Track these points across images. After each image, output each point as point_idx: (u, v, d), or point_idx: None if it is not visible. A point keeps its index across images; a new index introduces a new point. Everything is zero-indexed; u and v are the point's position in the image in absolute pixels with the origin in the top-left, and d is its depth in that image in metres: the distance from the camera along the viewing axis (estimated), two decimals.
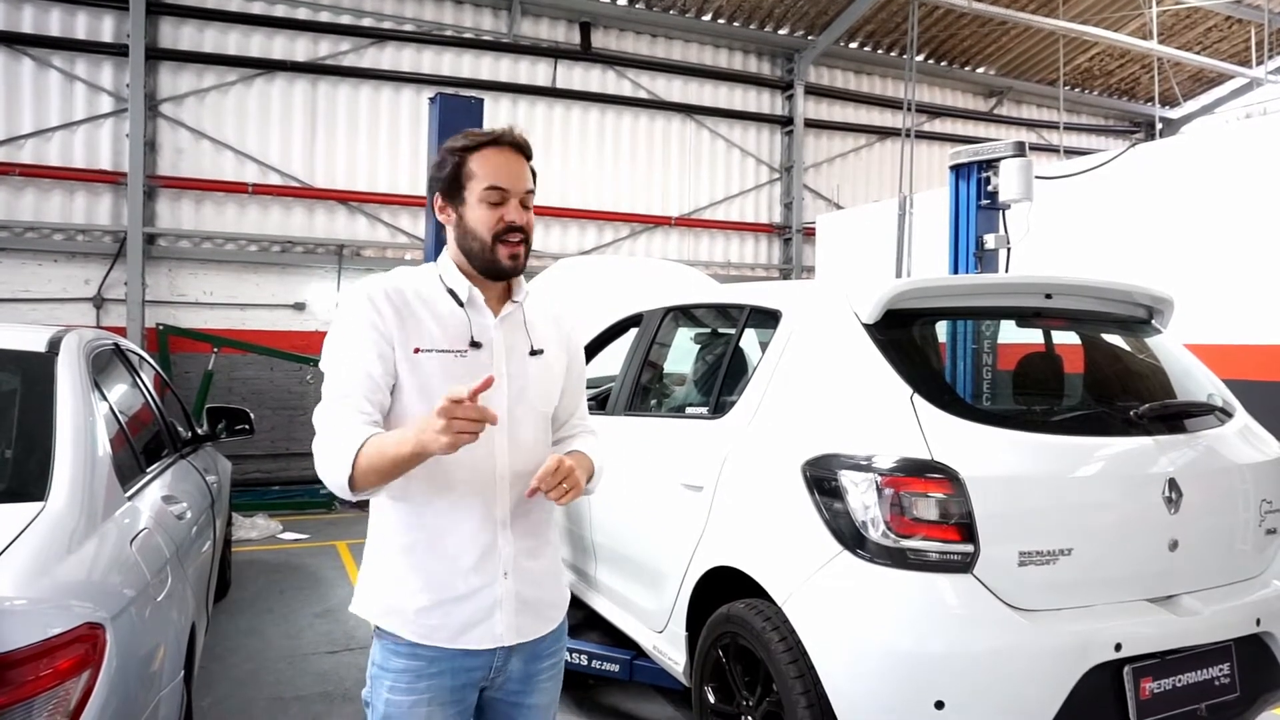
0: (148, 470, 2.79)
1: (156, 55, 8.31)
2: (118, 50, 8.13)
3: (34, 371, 2.39)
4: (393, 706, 1.64)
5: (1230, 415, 2.85)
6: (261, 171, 8.73)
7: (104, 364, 2.88)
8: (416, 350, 1.61)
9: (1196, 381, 2.95)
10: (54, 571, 1.79)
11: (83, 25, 8.14)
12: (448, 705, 1.66)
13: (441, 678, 1.64)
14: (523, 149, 1.66)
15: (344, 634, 4.67)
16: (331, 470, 1.53)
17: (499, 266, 1.65)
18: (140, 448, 2.88)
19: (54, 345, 2.54)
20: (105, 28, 8.20)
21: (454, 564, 1.63)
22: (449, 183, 1.66)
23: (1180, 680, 2.38)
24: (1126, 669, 2.29)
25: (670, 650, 3.10)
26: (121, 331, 7.70)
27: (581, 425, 1.89)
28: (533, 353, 1.72)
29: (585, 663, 3.54)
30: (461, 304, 1.66)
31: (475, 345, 1.65)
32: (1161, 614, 2.40)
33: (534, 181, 1.69)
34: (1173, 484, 2.46)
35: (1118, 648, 2.27)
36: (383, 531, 1.68)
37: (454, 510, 1.63)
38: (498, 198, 1.62)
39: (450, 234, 1.70)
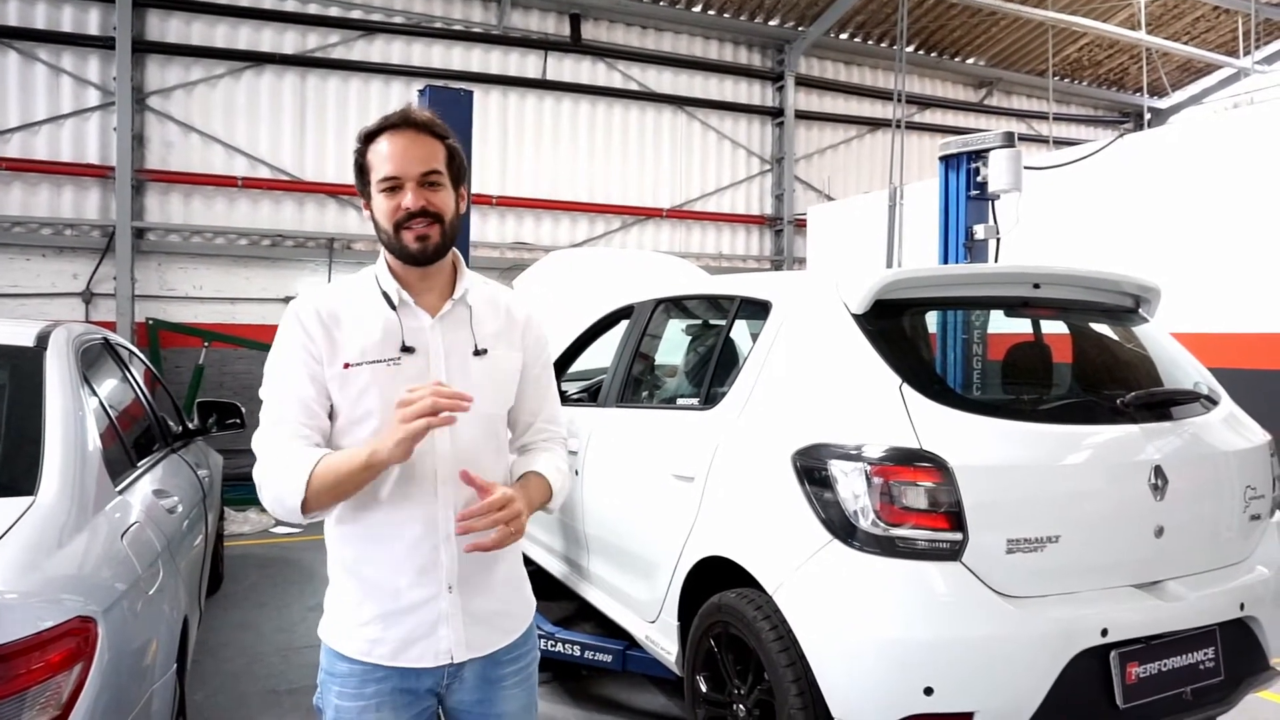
0: (138, 464, 2.78)
1: (144, 48, 8.25)
2: (104, 43, 8.07)
3: (23, 366, 2.39)
4: (342, 712, 1.59)
5: (1215, 403, 2.88)
6: (251, 165, 8.69)
7: (93, 358, 2.87)
8: (346, 365, 1.54)
9: (1183, 370, 2.97)
10: (45, 565, 1.79)
11: (69, 18, 8.07)
12: (400, 710, 1.59)
13: (386, 682, 1.58)
14: (425, 127, 1.57)
15: None
16: (281, 494, 1.49)
17: (408, 252, 1.56)
18: (131, 442, 2.87)
19: (42, 340, 2.53)
20: (91, 20, 8.14)
21: (394, 578, 1.56)
22: (358, 179, 1.61)
23: (1166, 665, 2.40)
24: (1113, 654, 2.31)
25: (662, 640, 3.12)
26: (111, 326, 7.66)
27: (548, 431, 1.78)
28: (476, 353, 1.62)
29: (578, 653, 3.55)
30: (394, 306, 1.58)
31: (407, 350, 1.56)
32: (1147, 599, 2.43)
33: (450, 158, 1.59)
34: (1159, 471, 2.48)
35: (1104, 633, 2.29)
36: (330, 546, 1.64)
37: (393, 522, 1.56)
38: (392, 184, 1.55)
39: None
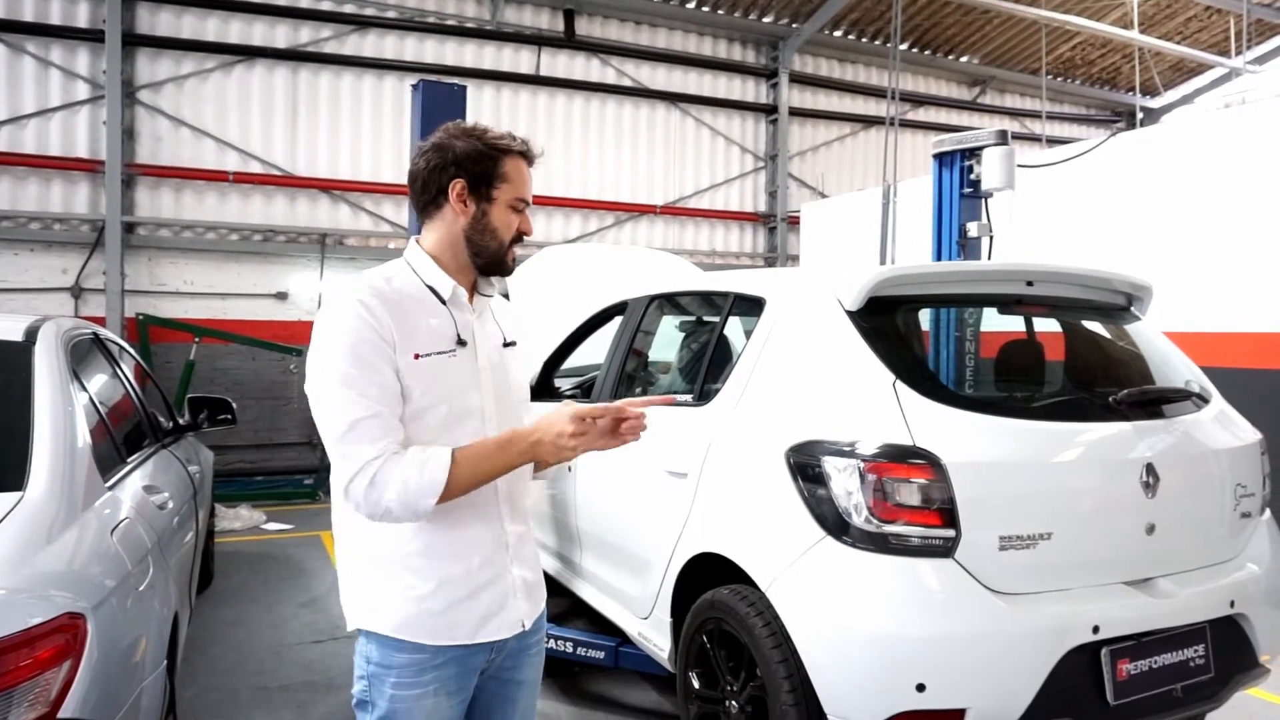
0: (128, 460, 2.77)
1: (133, 41, 8.20)
2: (94, 36, 8.01)
3: (11, 361, 2.37)
4: (398, 701, 1.60)
5: (1207, 401, 2.89)
6: (242, 159, 8.64)
7: (83, 353, 2.85)
8: (416, 356, 1.56)
9: (1174, 368, 2.98)
10: (33, 561, 1.78)
11: (57, 10, 8.01)
12: (453, 694, 1.64)
13: (446, 668, 1.62)
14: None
15: (329, 624, 4.66)
16: (418, 489, 1.48)
17: (505, 267, 1.70)
18: (121, 437, 2.85)
19: (31, 334, 2.51)
20: (80, 13, 8.08)
21: (468, 560, 1.62)
22: (480, 177, 1.64)
23: (1156, 661, 2.41)
24: (1104, 651, 2.32)
25: (655, 636, 3.12)
26: (101, 321, 7.61)
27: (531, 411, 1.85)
28: (506, 344, 1.74)
29: (571, 650, 3.55)
30: (443, 301, 1.64)
31: (461, 343, 1.63)
32: (1138, 597, 2.44)
33: None
34: (1150, 469, 2.49)
35: (1095, 630, 2.30)
36: (380, 540, 1.60)
37: (462, 506, 1.60)
38: (521, 206, 1.69)
39: (444, 225, 1.66)
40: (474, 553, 1.63)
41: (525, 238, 1.71)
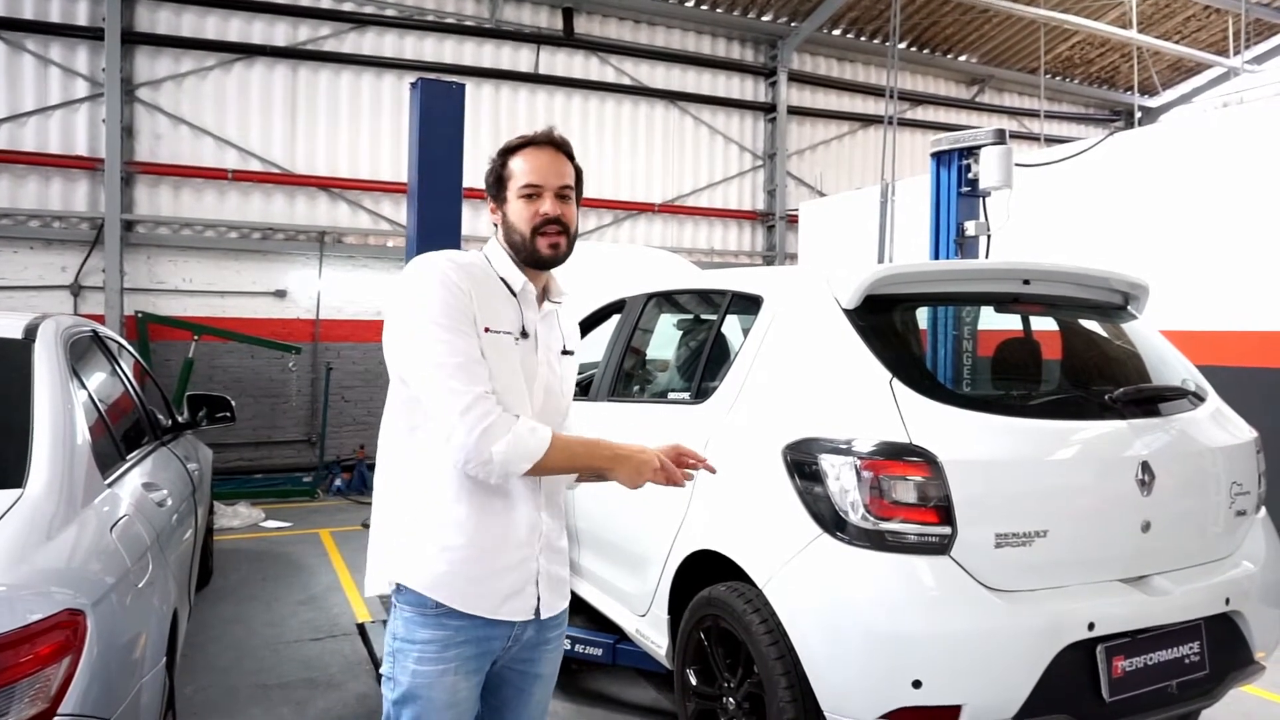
0: (128, 457, 2.77)
1: (133, 39, 8.18)
2: (93, 34, 8.00)
3: (10, 358, 2.37)
4: (420, 677, 1.67)
5: (1203, 399, 2.90)
6: (241, 158, 8.64)
7: (82, 351, 2.85)
8: (487, 329, 1.66)
9: (1170, 366, 2.99)
10: (33, 558, 1.78)
11: (57, 8, 7.99)
12: (471, 675, 1.71)
13: (466, 647, 1.69)
14: (560, 147, 1.76)
15: (328, 621, 4.66)
16: (522, 452, 1.59)
17: (539, 256, 1.73)
18: (120, 435, 2.86)
19: (31, 332, 2.52)
20: (80, 11, 8.07)
21: (503, 538, 1.70)
22: (492, 185, 1.78)
23: (1151, 658, 2.43)
24: (1099, 648, 2.33)
25: (653, 634, 3.13)
26: (100, 319, 7.61)
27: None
28: (565, 352, 1.84)
29: (569, 647, 3.56)
30: (514, 293, 1.74)
31: (524, 335, 1.73)
32: (1134, 594, 2.45)
33: (577, 177, 1.79)
34: (1146, 467, 2.50)
35: (1091, 627, 2.31)
36: (426, 501, 1.69)
37: (507, 489, 1.70)
38: (532, 192, 1.72)
39: (499, 230, 1.79)
40: (509, 533, 1.70)
41: (564, 224, 1.73)
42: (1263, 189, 5.52)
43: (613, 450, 1.69)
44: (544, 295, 1.81)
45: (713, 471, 1.80)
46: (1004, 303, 2.99)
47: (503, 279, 1.75)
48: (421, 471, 1.69)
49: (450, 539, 1.68)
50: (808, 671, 2.35)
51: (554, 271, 1.84)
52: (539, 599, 1.75)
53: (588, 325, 4.16)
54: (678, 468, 1.73)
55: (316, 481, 8.33)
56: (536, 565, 1.74)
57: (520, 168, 1.73)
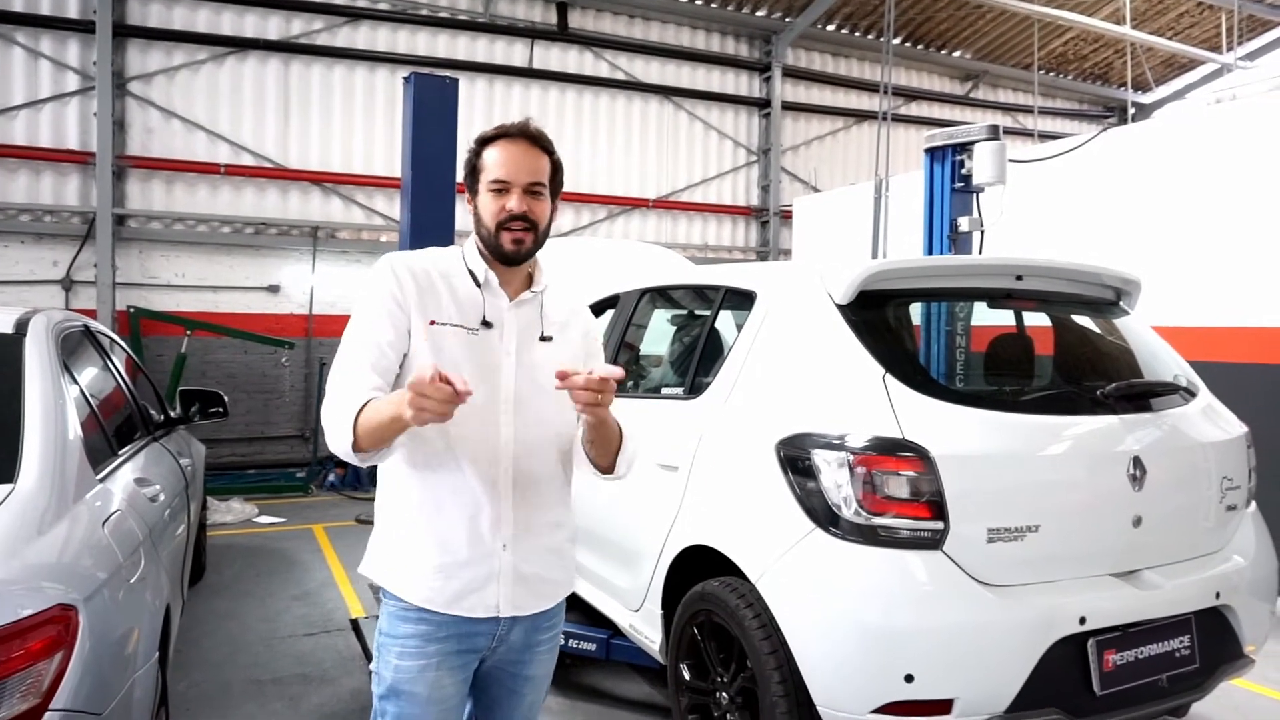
0: (120, 452, 2.76)
1: (124, 32, 8.14)
2: (84, 26, 7.96)
3: (1, 353, 2.36)
4: (401, 672, 1.67)
5: (1194, 395, 2.91)
6: (234, 152, 8.60)
7: (73, 346, 2.84)
8: (432, 322, 1.68)
9: (1162, 362, 3.00)
10: (25, 553, 1.78)
11: (47, 1, 7.94)
12: (455, 671, 1.71)
13: (448, 642, 1.69)
14: (535, 140, 1.73)
15: (321, 616, 4.66)
16: (336, 434, 1.58)
17: (503, 251, 1.71)
18: (112, 430, 2.85)
19: (21, 326, 2.51)
20: (71, 3, 8.02)
21: (455, 531, 1.67)
22: (467, 175, 1.77)
23: (1142, 652, 2.44)
24: (1090, 641, 2.34)
25: (646, 629, 3.13)
26: (91, 314, 7.58)
27: None
28: (543, 338, 1.79)
29: (563, 642, 3.55)
30: (479, 285, 1.74)
31: (486, 324, 1.72)
32: (1125, 588, 2.46)
33: (554, 172, 1.75)
34: (1137, 462, 2.51)
35: (1082, 621, 2.33)
36: (395, 495, 1.73)
37: (460, 478, 1.68)
38: (500, 188, 1.70)
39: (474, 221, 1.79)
40: (464, 527, 1.67)
41: (531, 220, 1.69)
42: (1255, 185, 5.54)
43: (400, 397, 1.43)
44: (528, 284, 1.79)
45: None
46: (997, 298, 3.00)
47: (470, 271, 1.75)
48: (390, 465, 1.72)
49: (403, 532, 1.71)
50: (800, 666, 2.36)
51: (542, 263, 1.83)
52: (500, 596, 1.69)
53: None
54: (448, 387, 1.37)
55: (310, 477, 8.31)
56: (498, 562, 1.69)
57: (492, 160, 1.71)
